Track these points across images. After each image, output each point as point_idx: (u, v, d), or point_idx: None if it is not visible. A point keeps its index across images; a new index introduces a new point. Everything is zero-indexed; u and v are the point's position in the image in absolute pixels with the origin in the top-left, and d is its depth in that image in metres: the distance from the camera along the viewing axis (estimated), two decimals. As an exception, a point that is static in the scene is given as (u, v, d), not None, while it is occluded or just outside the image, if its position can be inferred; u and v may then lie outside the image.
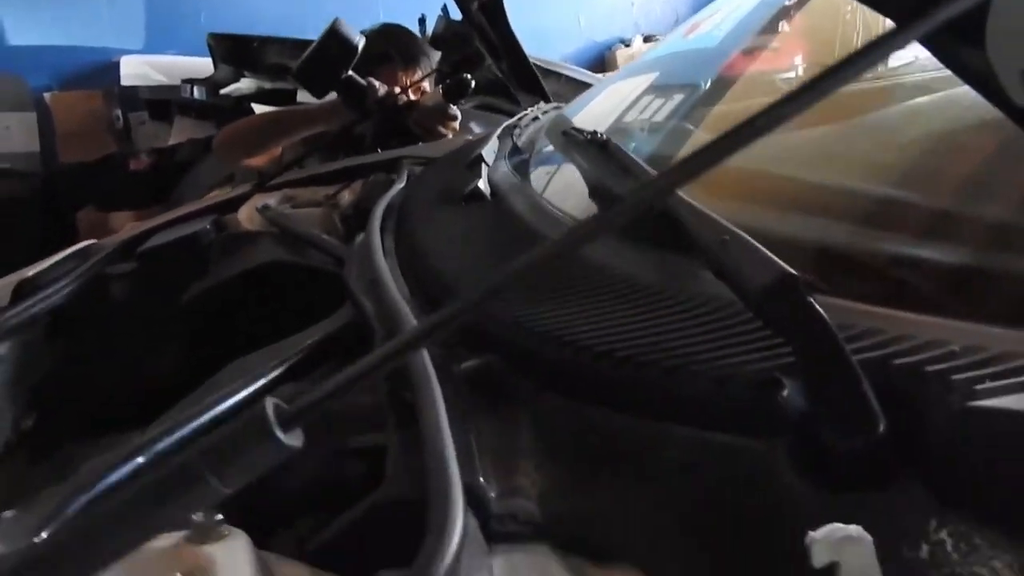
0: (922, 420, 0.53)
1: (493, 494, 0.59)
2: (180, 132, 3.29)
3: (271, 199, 1.65)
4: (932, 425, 0.52)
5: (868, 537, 0.45)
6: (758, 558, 0.52)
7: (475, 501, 0.58)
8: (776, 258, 0.62)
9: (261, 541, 0.75)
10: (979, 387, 0.52)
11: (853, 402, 0.54)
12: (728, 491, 0.56)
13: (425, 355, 0.74)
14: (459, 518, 0.50)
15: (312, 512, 0.80)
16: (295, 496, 0.83)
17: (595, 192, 1.05)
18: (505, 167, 1.30)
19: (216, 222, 1.58)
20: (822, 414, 0.55)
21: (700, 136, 1.25)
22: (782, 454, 0.55)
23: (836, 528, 0.44)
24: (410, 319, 0.83)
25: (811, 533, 0.44)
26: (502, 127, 1.51)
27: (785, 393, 0.57)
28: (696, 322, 0.67)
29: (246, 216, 1.61)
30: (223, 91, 3.24)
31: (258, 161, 2.07)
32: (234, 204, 1.66)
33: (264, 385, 0.90)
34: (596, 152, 1.08)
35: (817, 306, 0.57)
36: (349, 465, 0.81)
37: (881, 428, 0.53)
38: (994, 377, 0.53)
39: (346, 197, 1.59)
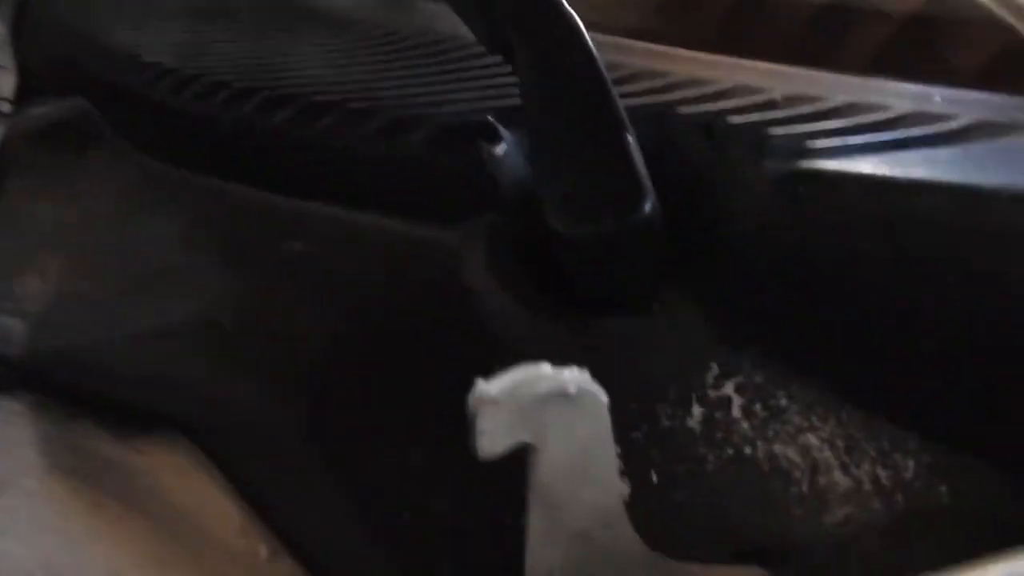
0: (715, 197, 0.31)
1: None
2: None
3: None
4: (731, 203, 0.30)
5: (598, 395, 0.22)
6: (424, 423, 0.29)
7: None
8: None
9: None
10: (814, 144, 0.30)
11: (603, 164, 0.31)
12: (387, 313, 0.32)
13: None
14: None
15: None
16: None
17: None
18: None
19: None
20: (549, 183, 0.31)
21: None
22: (481, 250, 0.32)
23: (529, 377, 0.21)
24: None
25: (477, 388, 0.21)
26: None
27: (499, 149, 0.33)
28: (388, 60, 0.42)
29: None
30: None
31: None
32: None
33: None
34: None
35: (563, 6, 0.32)
36: None
37: (647, 208, 0.30)
38: (836, 134, 0.31)
39: None
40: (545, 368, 0.21)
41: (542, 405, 0.21)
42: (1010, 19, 0.28)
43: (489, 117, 0.34)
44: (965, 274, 0.25)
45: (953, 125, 0.31)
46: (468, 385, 0.22)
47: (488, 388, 0.20)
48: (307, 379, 0.30)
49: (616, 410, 0.27)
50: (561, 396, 0.21)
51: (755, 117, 0.33)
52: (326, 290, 0.32)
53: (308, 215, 0.36)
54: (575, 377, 0.22)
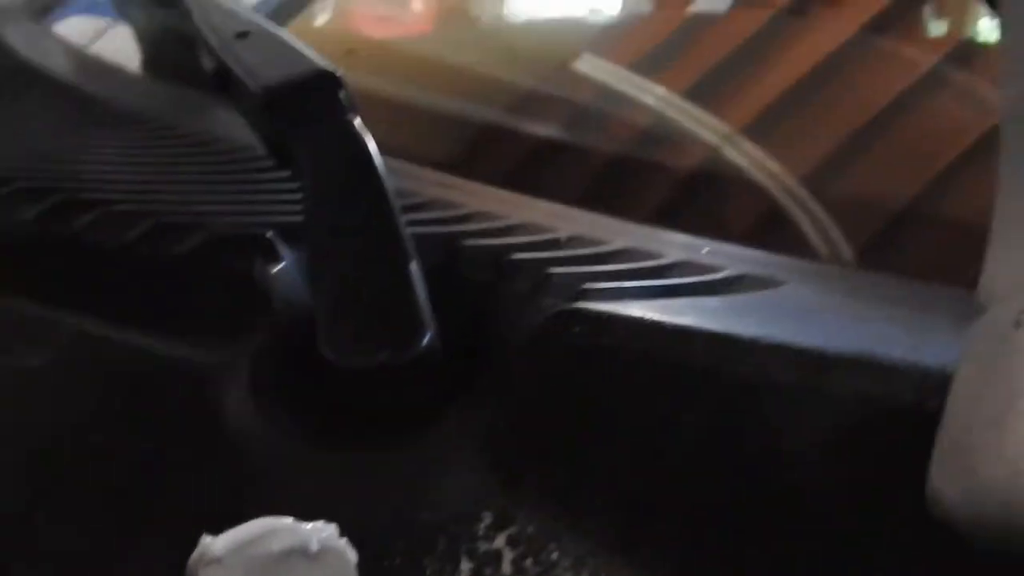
0: (497, 331, 0.30)
1: None
2: None
3: None
4: (511, 338, 0.29)
5: (345, 552, 0.20)
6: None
7: None
8: (315, 55, 0.36)
9: None
10: (591, 285, 0.30)
11: (383, 294, 0.30)
12: (132, 447, 0.29)
13: None
14: None
15: None
16: None
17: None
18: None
19: None
20: (325, 308, 0.29)
21: None
22: (244, 376, 0.29)
23: (263, 532, 0.19)
24: None
25: (200, 546, 0.18)
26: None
27: (275, 267, 0.31)
28: (173, 163, 0.40)
29: None
30: None
31: None
32: None
33: None
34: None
35: (355, 121, 0.32)
36: None
37: (425, 342, 0.29)
38: (612, 277, 0.31)
39: None
40: (284, 522, 0.19)
41: (278, 565, 0.18)
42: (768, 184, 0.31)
43: (269, 232, 0.32)
44: (724, 421, 0.26)
45: (718, 276, 0.32)
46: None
47: (212, 546, 0.18)
48: (24, 523, 0.25)
49: (376, 568, 0.25)
50: (301, 555, 0.19)
51: (539, 255, 0.33)
52: (60, 415, 0.28)
53: (55, 325, 0.32)
54: (319, 532, 0.19)
